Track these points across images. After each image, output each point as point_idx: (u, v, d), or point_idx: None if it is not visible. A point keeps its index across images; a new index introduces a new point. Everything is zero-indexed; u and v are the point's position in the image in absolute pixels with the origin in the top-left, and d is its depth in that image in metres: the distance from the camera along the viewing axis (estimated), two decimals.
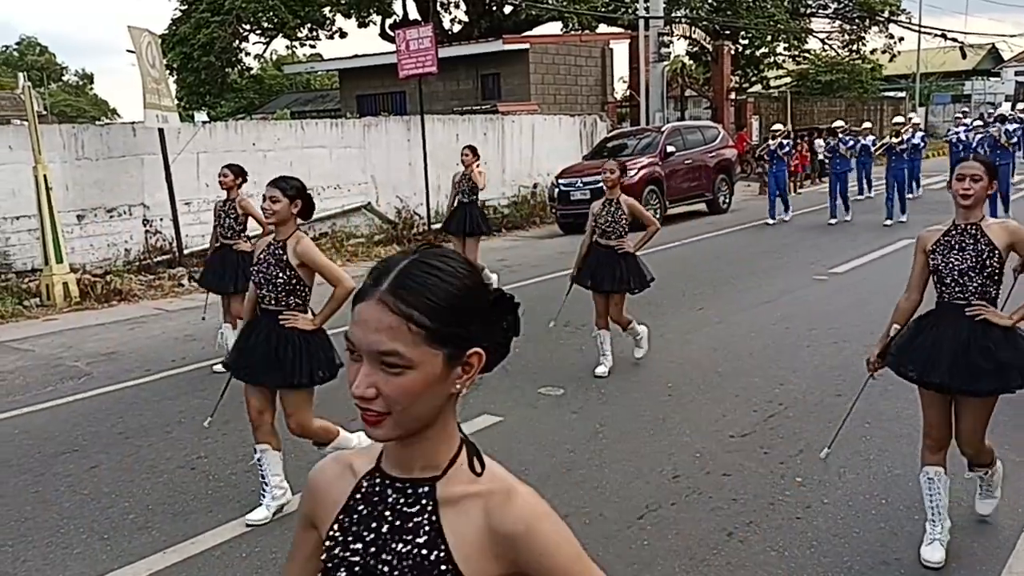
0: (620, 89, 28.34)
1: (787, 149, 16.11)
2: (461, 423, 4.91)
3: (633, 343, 7.06)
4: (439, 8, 30.23)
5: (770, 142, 16.16)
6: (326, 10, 27.44)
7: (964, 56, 36.20)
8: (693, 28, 25.95)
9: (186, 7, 26.20)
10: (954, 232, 3.61)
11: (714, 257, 12.28)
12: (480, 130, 18.23)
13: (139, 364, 7.66)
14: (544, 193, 18.49)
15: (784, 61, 36.67)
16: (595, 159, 17.35)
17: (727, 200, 18.02)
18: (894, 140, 15.33)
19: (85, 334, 9.01)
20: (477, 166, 10.58)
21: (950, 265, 3.56)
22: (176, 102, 14.54)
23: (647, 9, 21.64)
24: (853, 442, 4.96)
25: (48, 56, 69.06)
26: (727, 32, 31.15)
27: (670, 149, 16.59)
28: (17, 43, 68.95)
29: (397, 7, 29.87)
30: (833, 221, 15.22)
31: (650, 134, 17.76)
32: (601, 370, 6.67)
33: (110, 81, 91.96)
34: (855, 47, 35.84)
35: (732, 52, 28.47)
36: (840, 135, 16.57)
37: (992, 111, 17.70)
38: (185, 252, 12.52)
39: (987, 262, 3.49)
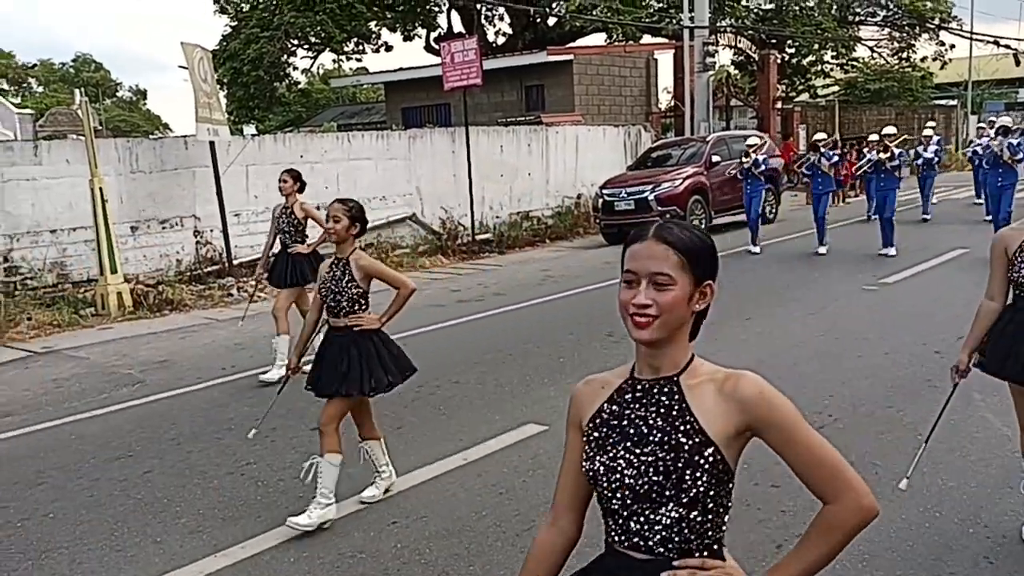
0: (664, 99, 28.22)
1: (834, 159, 13.90)
2: (506, 432, 4.93)
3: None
4: (483, 21, 30.44)
5: (811, 154, 13.75)
6: (372, 24, 27.81)
7: (1018, 63, 35.36)
8: (739, 37, 25.76)
9: (237, 23, 26.76)
10: None
11: (761, 267, 12.16)
12: (524, 141, 18.30)
13: (191, 372, 7.81)
14: (588, 204, 18.49)
15: (832, 70, 36.22)
16: (639, 169, 17.32)
17: (773, 210, 17.81)
18: (883, 156, 12.82)
19: (138, 343, 9.21)
20: (300, 199, 7.81)
21: None
22: (226, 116, 14.82)
23: (692, 19, 21.55)
24: (905, 455, 4.86)
25: (103, 73, 70.82)
26: (773, 41, 30.86)
27: (715, 159, 16.48)
28: (73, 60, 70.83)
29: (442, 20, 30.21)
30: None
31: (695, 144, 17.67)
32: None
33: (162, 96, 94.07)
34: (905, 55, 35.29)
35: (778, 61, 28.21)
36: (822, 148, 13.45)
37: (993, 122, 15.07)
38: (234, 262, 12.75)
39: None
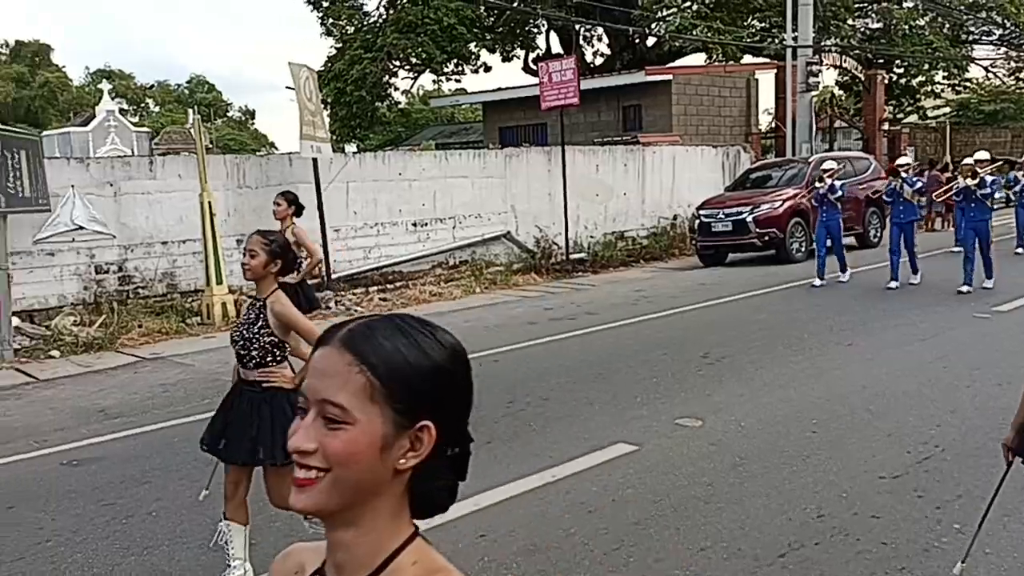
0: (765, 121, 27.72)
1: (919, 186, 12.24)
2: (596, 450, 4.84)
3: None
4: (581, 42, 30.58)
5: (892, 180, 12.35)
6: (472, 46, 28.27)
7: None
8: (844, 57, 25.12)
9: (341, 45, 27.61)
10: None
11: (863, 292, 11.73)
12: (620, 161, 18.23)
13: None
14: (684, 224, 18.26)
15: (943, 90, 34.91)
16: (738, 190, 17.01)
17: (878, 234, 17.19)
18: (971, 182, 11.41)
19: None
20: (295, 223, 7.32)
21: None
22: (329, 134, 15.26)
23: (795, 38, 21.12)
24: (1016, 491, 4.58)
25: (215, 94, 74.26)
26: (881, 61, 29.98)
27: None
28: (187, 82, 74.60)
29: (540, 41, 30.50)
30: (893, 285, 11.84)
31: (796, 165, 17.25)
32: None
33: (269, 116, 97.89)
34: (1022, 75, 33.74)
35: (886, 81, 27.37)
36: (904, 174, 12.10)
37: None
38: (333, 276, 13.07)
39: None
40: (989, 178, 11.70)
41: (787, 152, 20.97)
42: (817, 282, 12.35)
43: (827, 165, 13.73)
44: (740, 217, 15.37)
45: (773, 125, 24.33)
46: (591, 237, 17.32)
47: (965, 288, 10.96)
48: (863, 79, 25.90)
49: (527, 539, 4.30)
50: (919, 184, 12.27)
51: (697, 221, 16.19)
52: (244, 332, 3.85)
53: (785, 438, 5.71)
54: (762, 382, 7.14)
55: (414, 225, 14.78)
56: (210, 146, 31.88)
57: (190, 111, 12.05)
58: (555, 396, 7.03)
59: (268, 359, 3.82)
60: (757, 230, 15.09)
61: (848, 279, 12.66)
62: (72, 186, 11.12)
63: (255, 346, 3.80)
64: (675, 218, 18.74)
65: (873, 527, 4.27)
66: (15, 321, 10.10)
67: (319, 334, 2.42)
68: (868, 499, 4.61)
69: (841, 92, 34.58)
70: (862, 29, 31.32)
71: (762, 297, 11.88)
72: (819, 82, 21.27)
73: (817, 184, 13.08)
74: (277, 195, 7.20)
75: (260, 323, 3.81)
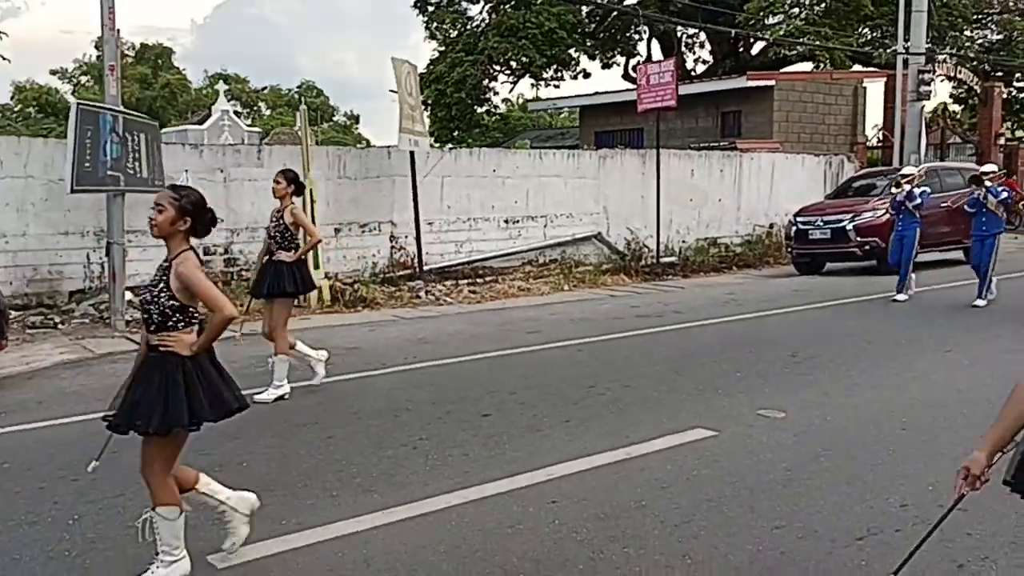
0: (872, 132, 26.88)
1: (1004, 196, 11.19)
2: (673, 433, 4.87)
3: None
4: (683, 48, 30.33)
5: (976, 190, 11.28)
6: (572, 51, 28.38)
7: None
8: (959, 68, 24.15)
9: (444, 48, 28.13)
10: None
11: (964, 303, 11.24)
12: (716, 166, 18.01)
13: (376, 359, 8.24)
14: (780, 233, 17.88)
15: None
16: (840, 198, 16.57)
17: None
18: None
19: (331, 332, 9.84)
20: (295, 203, 7.02)
21: None
22: (427, 133, 15.57)
23: (907, 48, 20.43)
24: None
25: (323, 98, 76.42)
26: (1000, 73, 28.69)
27: (924, 190, 15.44)
28: (298, 87, 77.03)
29: (641, 48, 30.38)
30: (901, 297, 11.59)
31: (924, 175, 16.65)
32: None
33: (373, 122, 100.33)
34: None
35: (1004, 95, 26.18)
36: (988, 183, 11.12)
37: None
38: (425, 268, 13.33)
39: None
40: (998, 189, 11.17)
41: (894, 163, 20.28)
42: (901, 296, 11.50)
43: (906, 171, 12.94)
44: (840, 225, 14.96)
45: (881, 136, 23.56)
46: (683, 242, 17.15)
47: (980, 302, 10.87)
48: (979, 91, 24.85)
49: (598, 507, 4.33)
50: (1004, 194, 11.19)
51: (794, 228, 15.83)
52: (147, 294, 3.57)
53: (872, 434, 5.57)
54: (852, 382, 6.96)
55: (506, 222, 14.94)
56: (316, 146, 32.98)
57: (299, 109, 12.53)
58: (636, 384, 7.02)
59: (168, 323, 3.52)
60: (858, 239, 14.66)
61: (906, 299, 11.51)
62: (186, 170, 11.69)
63: (155, 309, 3.52)
64: (771, 226, 18.38)
65: (959, 518, 4.09)
66: (128, 296, 10.67)
67: (225, 304, 2.82)
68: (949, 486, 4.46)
69: (956, 106, 33.26)
70: (980, 40, 30.03)
71: (858, 304, 11.54)
72: (931, 91, 20.47)
73: (894, 190, 12.21)
74: (277, 173, 6.96)
75: (162, 285, 3.52)
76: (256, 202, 12.33)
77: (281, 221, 6.79)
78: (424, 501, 4.45)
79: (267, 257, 6.87)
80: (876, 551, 3.80)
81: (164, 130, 37.77)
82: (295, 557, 3.82)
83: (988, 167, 12.14)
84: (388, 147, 14.15)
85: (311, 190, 11.65)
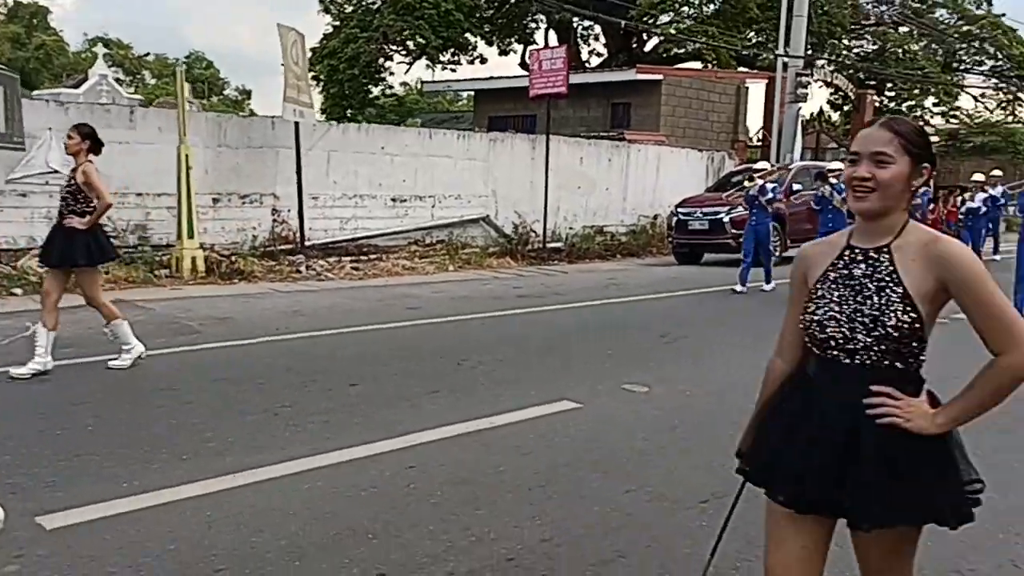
0: (753, 129, 27.90)
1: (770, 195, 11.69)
2: (539, 404, 4.87)
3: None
4: (579, 40, 30.66)
5: (820, 186, 11.67)
6: (468, 35, 28.27)
7: None
8: (836, 75, 25.30)
9: (338, 23, 27.55)
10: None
11: None
12: (605, 155, 18.30)
13: (247, 329, 8.02)
14: (664, 224, 18.33)
15: (932, 117, 35.23)
16: (718, 192, 17.10)
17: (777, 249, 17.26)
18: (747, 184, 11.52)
19: (203, 302, 9.52)
20: (90, 162, 6.18)
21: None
22: (314, 105, 15.22)
23: (787, 52, 21.26)
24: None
25: (212, 71, 73.66)
26: (872, 82, 30.23)
27: (796, 187, 16.14)
28: (186, 57, 74.00)
29: (539, 37, 30.52)
30: None
31: (777, 171, 17.34)
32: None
33: (266, 97, 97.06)
34: (1010, 109, 34.08)
35: (876, 103, 27.59)
36: (833, 180, 11.46)
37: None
38: (307, 243, 13.05)
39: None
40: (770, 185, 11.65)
41: (772, 161, 21.07)
42: (739, 288, 11.47)
43: (759, 165, 12.95)
44: (717, 217, 15.47)
45: (760, 134, 24.45)
46: (570, 228, 17.37)
47: None
48: (853, 98, 26.11)
49: (455, 472, 4.33)
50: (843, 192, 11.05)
51: (675, 218, 16.27)
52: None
53: (728, 410, 5.75)
54: (713, 362, 7.21)
55: (393, 200, 14.78)
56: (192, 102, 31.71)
57: (176, 70, 11.91)
58: (509, 359, 7.07)
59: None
60: (733, 231, 15.17)
61: (772, 289, 11.62)
62: (50, 129, 11.02)
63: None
64: (655, 217, 18.82)
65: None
66: None
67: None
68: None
69: (834, 112, 34.83)
70: (856, 49, 31.55)
71: (726, 293, 11.94)
72: (807, 94, 21.40)
73: (747, 184, 12.02)
74: (71, 128, 6.30)
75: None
76: (127, 166, 11.76)
77: (73, 181, 6.13)
78: (279, 465, 4.35)
79: (57, 219, 6.27)
80: (717, 512, 3.92)
81: (36, 92, 35.59)
82: (134, 520, 3.66)
83: (834, 164, 12.61)
84: (273, 117, 13.77)
85: (187, 156, 11.22)
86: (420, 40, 26.14)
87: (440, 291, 11.28)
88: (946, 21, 32.34)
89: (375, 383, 6.13)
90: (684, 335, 8.38)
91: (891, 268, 2.01)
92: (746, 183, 12.35)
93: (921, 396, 2.05)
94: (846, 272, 2.09)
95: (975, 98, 34.59)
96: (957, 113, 35.17)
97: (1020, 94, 33.19)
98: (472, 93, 29.84)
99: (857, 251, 2.09)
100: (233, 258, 11.97)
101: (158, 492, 3.94)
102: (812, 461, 2.09)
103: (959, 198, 18.88)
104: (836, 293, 2.08)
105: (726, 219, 15.32)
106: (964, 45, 31.63)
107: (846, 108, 30.22)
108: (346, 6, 27.70)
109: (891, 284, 1.99)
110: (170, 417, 5.16)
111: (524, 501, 3.99)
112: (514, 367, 6.79)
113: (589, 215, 17.95)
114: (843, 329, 2.04)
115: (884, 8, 30.51)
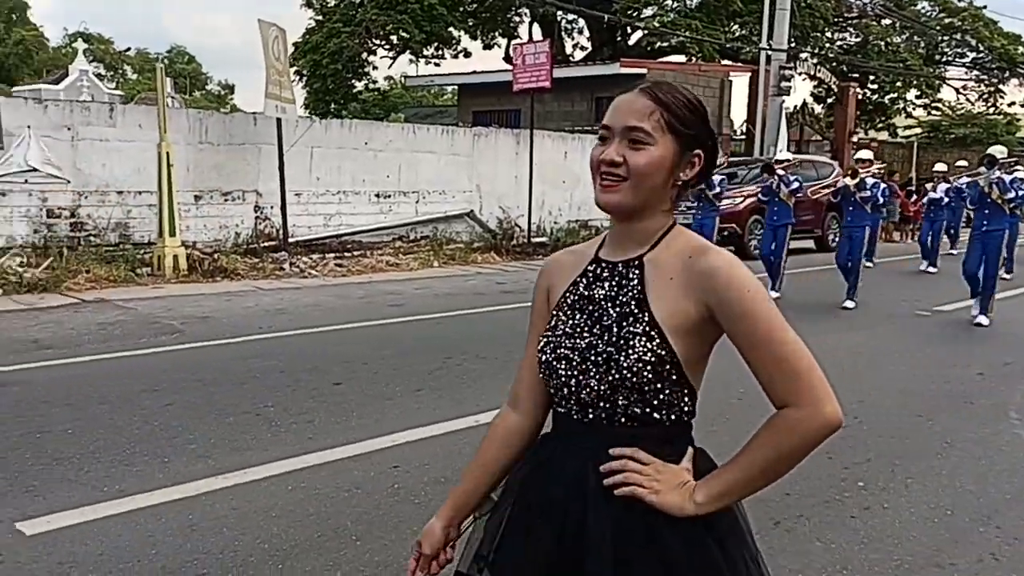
0: (737, 122, 27.98)
1: (794, 186, 10.97)
2: (479, 413, 4.81)
3: None
4: (563, 34, 30.62)
5: (768, 178, 11.15)
6: (452, 29, 28.19)
7: None
8: (819, 68, 25.39)
9: (321, 18, 27.40)
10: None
11: (803, 291, 11.85)
12: (590, 149, 18.22)
13: (229, 328, 7.97)
14: None
15: (914, 109, 35.44)
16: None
17: (836, 239, 17.41)
18: (850, 182, 10.73)
19: (185, 300, 9.46)
20: None
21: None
22: (296, 101, 15.10)
23: (770, 45, 21.32)
24: (928, 457, 4.73)
25: (195, 66, 73.18)
26: (855, 75, 30.36)
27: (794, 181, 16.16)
28: (168, 51, 73.47)
29: (523, 31, 30.47)
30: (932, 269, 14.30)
31: (760, 164, 17.40)
32: None
33: (250, 93, 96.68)
34: (992, 100, 34.32)
35: (859, 95, 27.71)
36: (780, 171, 11.05)
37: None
38: (291, 240, 12.99)
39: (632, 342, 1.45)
40: (870, 180, 10.78)
41: (755, 154, 21.16)
42: (774, 294, 10.38)
43: (781, 156, 12.74)
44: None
45: (744, 127, 24.53)
46: (555, 223, 17.37)
47: (850, 303, 10.07)
48: (836, 90, 26.21)
49: (439, 472, 4.33)
50: (796, 184, 10.95)
51: None
52: None
53: (704, 396, 5.78)
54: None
55: (377, 196, 14.74)
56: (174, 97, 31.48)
57: (156, 65, 11.82)
58: (492, 356, 7.06)
59: None
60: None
61: (777, 295, 10.56)
62: (28, 127, 10.93)
63: None
64: None
65: (779, 481, 4.34)
66: None
67: None
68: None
69: (817, 105, 34.96)
70: (839, 42, 31.67)
71: None
72: (791, 87, 21.50)
73: (766, 175, 11.42)
74: None
75: None
76: (107, 164, 11.71)
77: None
78: (261, 467, 4.34)
79: None
80: None
81: (15, 88, 35.31)
82: (115, 524, 3.64)
83: (780, 154, 12.77)
84: (255, 114, 13.69)
85: (167, 154, 11.13)
86: (403, 34, 26.04)
87: (423, 287, 11.25)
88: (928, 13, 32.52)
89: (358, 382, 6.11)
90: None
91: (639, 288, 1.45)
92: (766, 174, 11.43)
93: (683, 461, 1.45)
94: (587, 294, 1.52)
95: (957, 90, 34.82)
96: (939, 105, 35.39)
97: (1001, 86, 33.43)
98: (456, 88, 29.73)
99: (603, 265, 1.52)
100: (216, 256, 11.91)
101: (139, 496, 3.91)
102: (527, 560, 1.50)
103: (912, 188, 18.90)
104: (571, 322, 1.51)
105: None
106: (946, 37, 31.82)
107: (829, 101, 30.31)
108: (329, 1, 27.55)
109: (634, 310, 1.43)
110: (151, 419, 5.12)
111: None
112: (497, 364, 6.78)
113: (574, 209, 17.95)
114: (574, 372, 1.47)
115: (867, 1, 30.64)
